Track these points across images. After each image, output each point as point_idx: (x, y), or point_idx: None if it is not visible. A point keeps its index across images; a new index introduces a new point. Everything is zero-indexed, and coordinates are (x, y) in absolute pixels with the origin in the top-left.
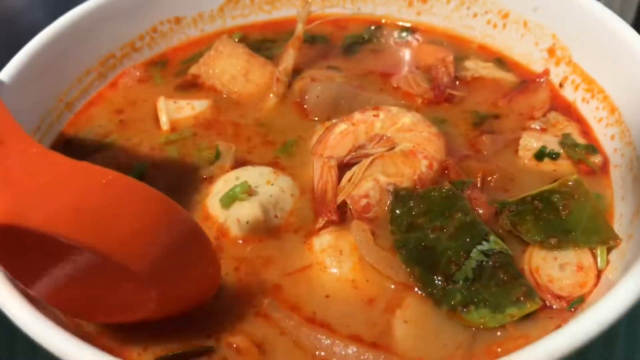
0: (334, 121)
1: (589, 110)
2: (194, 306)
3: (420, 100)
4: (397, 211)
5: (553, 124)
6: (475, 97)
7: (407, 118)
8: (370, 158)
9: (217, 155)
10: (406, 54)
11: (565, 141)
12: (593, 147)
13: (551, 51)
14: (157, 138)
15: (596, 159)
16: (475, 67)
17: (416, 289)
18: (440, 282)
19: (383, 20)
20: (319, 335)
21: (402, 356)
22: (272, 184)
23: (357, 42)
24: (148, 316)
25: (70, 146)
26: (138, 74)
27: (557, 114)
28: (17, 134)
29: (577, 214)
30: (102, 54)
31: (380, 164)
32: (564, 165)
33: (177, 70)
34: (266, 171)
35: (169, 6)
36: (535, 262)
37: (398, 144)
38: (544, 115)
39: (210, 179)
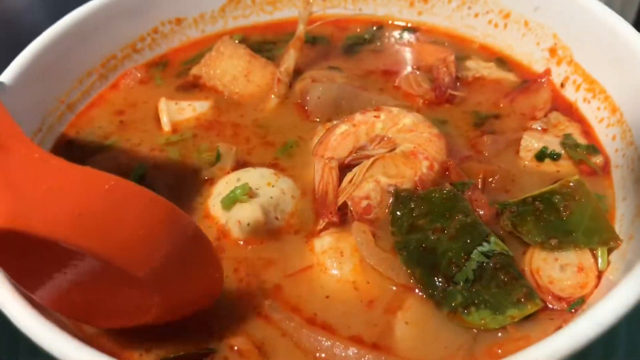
0: (334, 122)
1: (590, 111)
2: (197, 310)
3: (421, 101)
4: (398, 212)
5: (554, 124)
6: (476, 97)
7: (408, 119)
8: (371, 159)
9: (218, 157)
10: (407, 54)
11: (567, 142)
12: (594, 148)
13: (552, 51)
14: (157, 139)
15: (597, 160)
16: (477, 67)
17: (417, 291)
18: (441, 284)
19: (388, 21)
20: (319, 337)
21: (403, 357)
22: (272, 186)
23: (358, 42)
24: (151, 321)
25: (71, 147)
26: (139, 75)
27: (558, 114)
28: (19, 139)
29: (578, 215)
30: (103, 55)
31: (381, 165)
32: (565, 166)
33: (178, 71)
34: (267, 173)
35: (169, 7)
36: (536, 263)
37: (399, 145)
38: (545, 115)
39: (212, 181)
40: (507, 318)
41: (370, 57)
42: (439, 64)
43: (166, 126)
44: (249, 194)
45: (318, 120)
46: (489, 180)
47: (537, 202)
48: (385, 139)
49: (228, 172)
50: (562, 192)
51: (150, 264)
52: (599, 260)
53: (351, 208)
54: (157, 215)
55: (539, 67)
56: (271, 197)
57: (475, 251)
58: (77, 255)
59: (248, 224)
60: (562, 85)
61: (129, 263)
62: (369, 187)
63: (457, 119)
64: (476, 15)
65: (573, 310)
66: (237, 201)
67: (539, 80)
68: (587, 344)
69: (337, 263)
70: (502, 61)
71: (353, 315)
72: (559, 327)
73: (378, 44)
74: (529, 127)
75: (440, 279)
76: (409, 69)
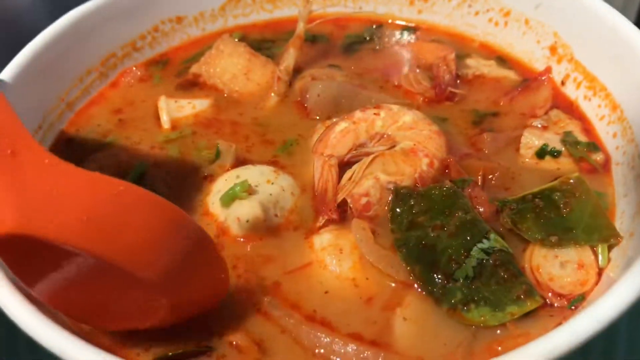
0: (334, 120)
1: (591, 108)
2: (203, 311)
3: (421, 99)
4: (398, 210)
5: (555, 121)
6: (476, 95)
7: (408, 116)
8: (371, 156)
9: (218, 154)
10: (407, 53)
11: (567, 139)
12: (595, 145)
13: (553, 49)
14: (157, 137)
15: (598, 157)
16: (477, 65)
17: (416, 288)
18: (440, 281)
19: (388, 20)
20: (318, 334)
21: (402, 354)
22: (272, 183)
23: (358, 40)
24: (157, 323)
25: (71, 145)
26: (139, 73)
27: (558, 112)
28: (29, 144)
29: (578, 212)
30: (104, 53)
31: (381, 163)
32: (565, 163)
33: (178, 70)
34: (267, 170)
35: (170, 6)
36: (536, 260)
37: (399, 142)
38: (546, 113)
39: (211, 178)
40: (507, 315)
41: (370, 55)
42: (439, 62)
43: (166, 124)
44: (249, 191)
45: (318, 118)
46: (489, 177)
47: (537, 199)
48: (385, 136)
49: (228, 170)
50: (562, 189)
51: (157, 267)
52: (600, 257)
53: (351, 205)
54: (164, 219)
55: (539, 65)
56: (270, 194)
57: (475, 248)
58: (86, 259)
59: (247, 221)
60: (563, 83)
61: (137, 266)
62: (368, 184)
63: (457, 117)
64: (476, 13)
65: (573, 307)
66: (236, 198)
67: (539, 78)
68: (587, 340)
69: (336, 260)
70: (503, 59)
71: (352, 312)
72: (559, 324)
73: (378, 42)
74: (530, 124)
75: (439, 276)
76: (409, 67)
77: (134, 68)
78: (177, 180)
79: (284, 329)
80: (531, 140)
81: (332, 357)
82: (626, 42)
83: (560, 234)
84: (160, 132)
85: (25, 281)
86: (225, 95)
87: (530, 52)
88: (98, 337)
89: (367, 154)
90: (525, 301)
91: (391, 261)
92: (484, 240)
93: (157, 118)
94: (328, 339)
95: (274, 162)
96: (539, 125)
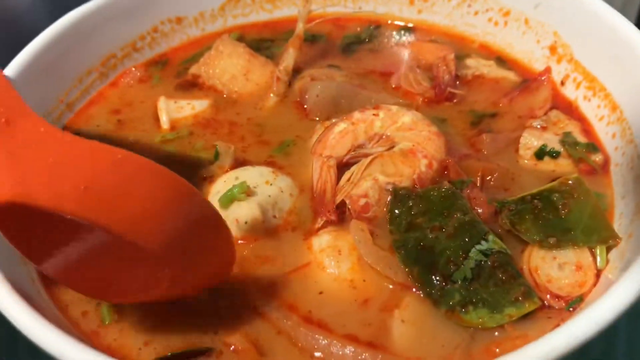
0: (333, 120)
1: (590, 109)
2: (209, 285)
3: (420, 99)
4: (396, 211)
5: (554, 122)
6: (476, 96)
7: (407, 117)
8: (370, 157)
9: (217, 155)
10: (407, 53)
11: (566, 140)
12: (594, 146)
13: (552, 49)
14: (156, 137)
15: (597, 158)
16: (477, 65)
17: (415, 289)
18: (438, 282)
19: (387, 20)
20: (316, 335)
21: (400, 356)
22: (271, 184)
23: (358, 41)
24: (163, 295)
25: None
26: (139, 73)
27: (558, 112)
28: (25, 113)
29: (576, 213)
30: (103, 54)
31: (380, 164)
32: (564, 164)
33: (178, 70)
34: (266, 171)
35: (170, 6)
36: (534, 261)
37: (398, 143)
38: (545, 113)
39: (210, 179)
40: (505, 317)
41: (369, 55)
42: (439, 62)
43: (165, 124)
44: (247, 192)
45: (317, 118)
46: (488, 178)
47: (535, 200)
48: (384, 137)
49: (227, 171)
50: (561, 190)
51: (160, 237)
52: (598, 258)
53: (349, 206)
54: (166, 187)
55: (539, 66)
56: (269, 196)
57: (473, 249)
58: (87, 228)
59: (246, 222)
60: (562, 83)
61: (139, 236)
62: (367, 186)
63: (456, 118)
64: (476, 13)
65: (571, 309)
66: (235, 199)
67: (539, 78)
68: (585, 342)
69: (334, 261)
70: (502, 59)
71: (349, 314)
72: (557, 326)
73: (377, 42)
74: (529, 125)
75: (438, 278)
76: (408, 67)
77: (134, 69)
78: None
79: (281, 331)
80: (530, 140)
81: (330, 359)
82: (626, 42)
83: (558, 235)
84: (159, 132)
85: (27, 254)
86: (225, 95)
87: (530, 52)
88: (96, 338)
89: (366, 155)
90: (524, 303)
91: (390, 262)
92: (483, 242)
93: (156, 119)
94: (326, 341)
95: (270, 163)
96: (538, 126)
